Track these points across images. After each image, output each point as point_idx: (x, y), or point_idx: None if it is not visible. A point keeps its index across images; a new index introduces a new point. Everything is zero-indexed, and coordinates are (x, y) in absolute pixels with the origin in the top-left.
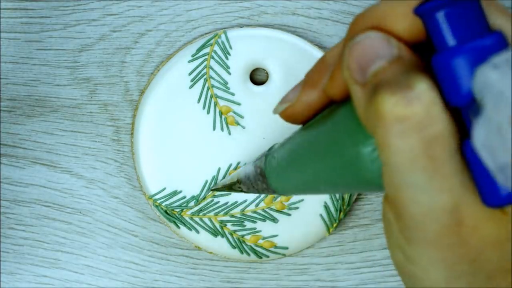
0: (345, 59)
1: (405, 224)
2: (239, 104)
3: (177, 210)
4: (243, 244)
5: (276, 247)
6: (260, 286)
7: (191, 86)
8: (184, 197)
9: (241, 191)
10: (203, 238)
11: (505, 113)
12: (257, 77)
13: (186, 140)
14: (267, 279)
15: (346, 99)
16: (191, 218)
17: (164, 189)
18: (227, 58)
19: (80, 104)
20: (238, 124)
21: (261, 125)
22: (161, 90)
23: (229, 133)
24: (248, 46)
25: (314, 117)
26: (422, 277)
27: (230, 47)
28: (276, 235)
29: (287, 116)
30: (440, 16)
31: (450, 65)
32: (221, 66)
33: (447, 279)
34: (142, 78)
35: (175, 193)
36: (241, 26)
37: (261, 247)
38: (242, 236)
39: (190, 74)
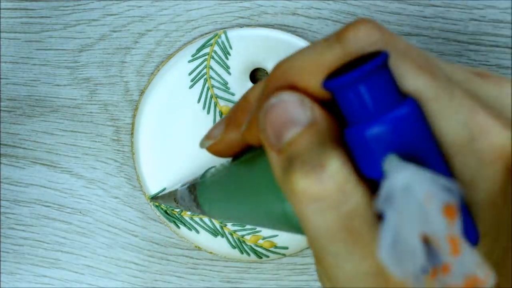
0: (260, 122)
1: (333, 284)
2: None
3: (177, 210)
4: (243, 244)
5: (276, 247)
6: (260, 286)
7: (191, 86)
8: None
9: (175, 206)
10: (203, 238)
11: (409, 228)
12: (257, 77)
13: (186, 140)
14: (267, 279)
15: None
16: (191, 218)
17: (164, 189)
18: (227, 58)
19: (80, 104)
20: None
21: None
22: (161, 90)
23: None
24: (248, 46)
25: (242, 152)
26: None
27: (230, 47)
28: (276, 235)
29: (213, 152)
30: (349, 92)
31: (361, 140)
32: (221, 66)
33: None
34: (142, 78)
35: None
36: (241, 26)
37: (261, 247)
38: (242, 236)
39: (190, 74)
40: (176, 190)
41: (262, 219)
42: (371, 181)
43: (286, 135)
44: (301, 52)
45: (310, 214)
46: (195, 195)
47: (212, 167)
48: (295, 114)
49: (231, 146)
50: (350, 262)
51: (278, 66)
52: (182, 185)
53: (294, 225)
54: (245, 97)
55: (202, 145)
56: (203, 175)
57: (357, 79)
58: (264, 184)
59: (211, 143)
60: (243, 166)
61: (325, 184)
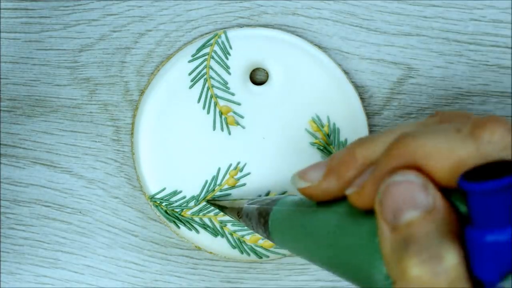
0: (380, 195)
1: None
2: (239, 104)
3: (177, 210)
4: (243, 244)
5: (276, 247)
6: (260, 286)
7: (191, 86)
8: (184, 197)
9: (237, 220)
10: (203, 238)
11: None
12: (257, 77)
13: (186, 140)
14: (267, 279)
15: (369, 211)
16: (191, 218)
17: (164, 189)
18: (227, 58)
19: (80, 104)
20: (238, 124)
21: (261, 125)
22: (161, 90)
23: (229, 133)
24: (248, 46)
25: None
26: None
27: (230, 47)
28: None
29: (304, 193)
30: (487, 198)
31: (483, 245)
32: (221, 66)
33: None
34: (142, 78)
35: (175, 193)
36: (241, 26)
37: (261, 247)
38: (242, 236)
39: (190, 74)
40: (240, 204)
41: (339, 270)
42: (478, 282)
43: (406, 215)
44: (432, 136)
45: None
46: (266, 221)
47: (288, 195)
48: (417, 197)
49: (326, 195)
50: None
51: (405, 143)
52: (250, 202)
53: None
54: (352, 152)
55: (295, 184)
56: (277, 202)
57: (499, 189)
58: (358, 242)
59: (306, 186)
60: (334, 215)
61: (439, 276)
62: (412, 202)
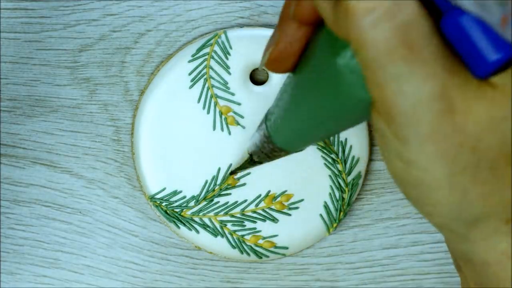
0: None
1: (398, 124)
2: (239, 104)
3: (177, 210)
4: (243, 244)
5: (276, 247)
6: (260, 286)
7: (191, 86)
8: (184, 197)
9: (255, 162)
10: (203, 238)
11: None
12: (257, 77)
13: (186, 140)
14: (267, 279)
15: (319, 25)
16: (191, 218)
17: (164, 189)
18: (227, 58)
19: (80, 104)
20: (238, 124)
21: None
22: (161, 90)
23: (229, 133)
24: (248, 46)
25: (299, 60)
26: (424, 179)
27: (230, 47)
28: (276, 235)
29: (274, 60)
30: None
31: None
32: (221, 66)
33: (450, 175)
34: (142, 78)
35: (175, 193)
36: (241, 26)
37: (261, 247)
38: (242, 236)
39: (190, 74)
40: (246, 148)
41: (323, 107)
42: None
43: None
44: None
45: (365, 31)
46: (264, 130)
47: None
48: None
49: (290, 45)
50: (412, 84)
51: None
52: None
53: (352, 85)
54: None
55: (262, 63)
56: (268, 110)
57: None
58: (318, 56)
59: (270, 51)
60: (298, 66)
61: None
62: None
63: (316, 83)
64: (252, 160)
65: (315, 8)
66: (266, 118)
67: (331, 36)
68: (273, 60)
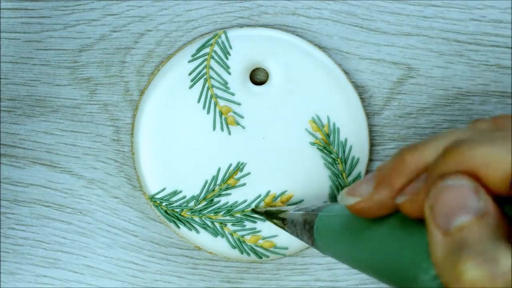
0: (431, 199)
1: None
2: (239, 104)
3: (177, 210)
4: (243, 244)
5: (276, 247)
6: (260, 286)
7: (191, 86)
8: (184, 197)
9: (281, 228)
10: (203, 238)
11: None
12: (257, 77)
13: (186, 140)
14: (267, 279)
15: (419, 219)
16: (191, 218)
17: (164, 189)
18: (227, 58)
19: (80, 104)
20: (238, 124)
21: (261, 125)
22: (161, 90)
23: (229, 133)
24: (248, 46)
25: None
26: None
27: (230, 47)
28: (276, 235)
29: (356, 210)
30: None
31: None
32: (221, 66)
33: None
34: (142, 78)
35: (175, 193)
36: (241, 26)
37: (261, 247)
38: (242, 236)
39: (190, 74)
40: (285, 211)
41: (382, 274)
42: None
43: (458, 220)
44: (488, 144)
45: None
46: (311, 227)
47: (330, 204)
48: (469, 201)
49: (378, 207)
50: None
51: (460, 150)
52: (295, 209)
53: None
54: (402, 159)
55: (343, 201)
56: (324, 209)
57: None
58: (405, 245)
59: (356, 201)
60: (384, 225)
61: (496, 278)
62: (464, 206)
63: (389, 259)
64: (281, 225)
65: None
66: (318, 219)
67: (425, 248)
68: (355, 211)
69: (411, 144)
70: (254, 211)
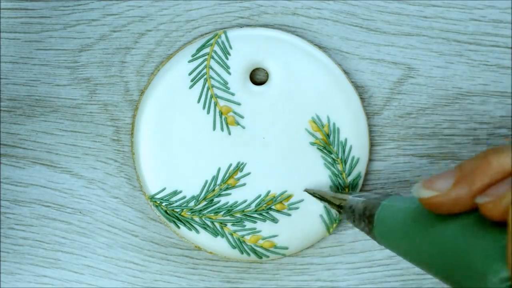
0: None
1: None
2: (239, 104)
3: (177, 210)
4: (243, 244)
5: (276, 247)
6: (260, 286)
7: (191, 86)
8: (184, 197)
9: (337, 211)
10: (203, 238)
11: None
12: (257, 77)
13: (186, 140)
14: (267, 279)
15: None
16: (191, 218)
17: (164, 189)
18: (227, 58)
19: (80, 104)
20: (238, 124)
21: (261, 125)
22: (161, 90)
23: (229, 133)
24: (248, 46)
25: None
26: None
27: (230, 47)
28: (276, 235)
29: (431, 204)
30: None
31: None
32: (221, 66)
33: None
34: (142, 78)
35: (175, 193)
36: (241, 26)
37: (261, 247)
38: (242, 236)
39: (190, 74)
40: (344, 196)
41: (444, 271)
42: None
43: None
44: None
45: None
46: (371, 214)
47: (394, 193)
48: None
49: (455, 204)
50: None
51: None
52: (355, 195)
53: None
54: (487, 160)
55: (419, 193)
56: (387, 198)
57: None
58: (477, 243)
59: (432, 195)
60: (457, 221)
61: None
62: None
63: (457, 257)
64: (336, 210)
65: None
66: (380, 207)
67: (500, 250)
68: (429, 205)
69: (496, 147)
70: (307, 191)
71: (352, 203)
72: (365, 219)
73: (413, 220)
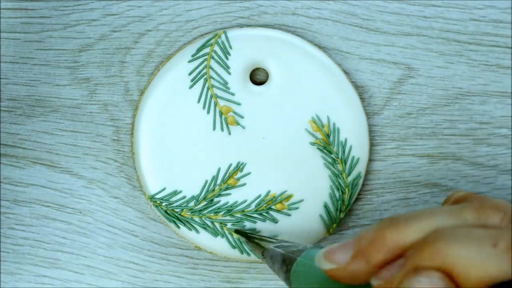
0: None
1: None
2: (239, 104)
3: (177, 210)
4: (243, 244)
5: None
6: (260, 286)
7: (191, 86)
8: (184, 197)
9: (260, 258)
10: (203, 238)
11: None
12: (257, 77)
13: (186, 140)
14: (267, 279)
15: None
16: (191, 218)
17: (164, 189)
18: (227, 58)
19: (80, 104)
20: (238, 124)
21: (261, 125)
22: (161, 90)
23: (229, 133)
24: (248, 46)
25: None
26: None
27: (230, 47)
28: (276, 235)
29: (331, 276)
30: None
31: None
32: (221, 66)
33: None
34: (142, 78)
35: (175, 193)
36: (241, 26)
37: None
38: None
39: (190, 74)
40: (267, 245)
41: None
42: None
43: None
44: (466, 245)
45: None
46: (288, 269)
47: (314, 248)
48: None
49: (353, 277)
50: None
51: (437, 247)
52: (276, 245)
53: None
54: (382, 235)
55: (320, 263)
56: (303, 254)
57: None
58: None
59: (332, 268)
60: None
61: None
62: None
63: None
64: (260, 255)
65: None
66: (295, 264)
67: None
68: (331, 276)
69: (393, 218)
70: (237, 231)
71: (272, 253)
72: (283, 273)
73: (319, 283)
